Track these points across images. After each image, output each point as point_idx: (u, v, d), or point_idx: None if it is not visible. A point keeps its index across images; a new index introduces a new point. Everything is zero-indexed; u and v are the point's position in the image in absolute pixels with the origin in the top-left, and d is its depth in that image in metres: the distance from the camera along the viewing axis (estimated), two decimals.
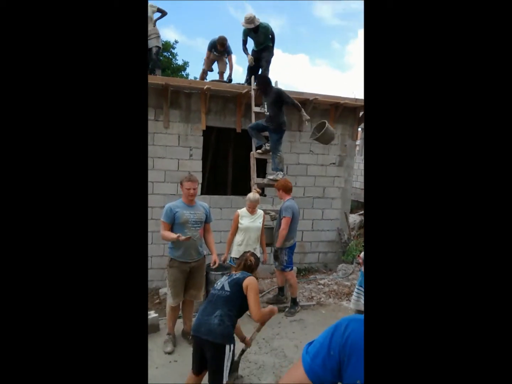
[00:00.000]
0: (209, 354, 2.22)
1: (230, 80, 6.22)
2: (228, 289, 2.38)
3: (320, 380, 0.84)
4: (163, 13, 5.76)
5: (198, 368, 2.34)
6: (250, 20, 5.27)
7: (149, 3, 5.72)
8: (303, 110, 4.72)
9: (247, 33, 5.55)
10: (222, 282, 2.48)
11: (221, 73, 6.40)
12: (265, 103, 4.78)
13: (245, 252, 2.86)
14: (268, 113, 4.73)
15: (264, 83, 4.73)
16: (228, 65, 6.35)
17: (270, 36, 5.63)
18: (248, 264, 2.64)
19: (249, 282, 2.39)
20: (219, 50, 6.12)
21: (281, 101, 4.61)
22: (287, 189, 4.20)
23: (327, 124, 4.66)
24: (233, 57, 6.09)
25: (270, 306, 2.55)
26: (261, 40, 5.59)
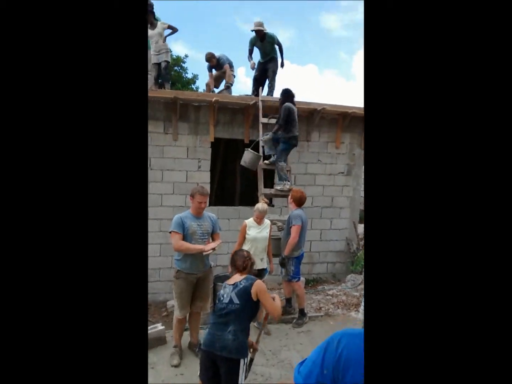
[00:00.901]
0: (224, 369, 2.19)
1: (227, 86, 6.31)
2: (238, 302, 2.28)
3: None
4: (174, 30, 5.91)
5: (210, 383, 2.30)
6: (259, 24, 5.52)
7: (161, 20, 5.88)
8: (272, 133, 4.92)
9: (253, 42, 5.71)
10: (228, 294, 2.34)
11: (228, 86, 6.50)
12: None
13: (239, 252, 2.65)
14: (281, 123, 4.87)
15: (285, 97, 4.87)
16: (233, 77, 6.47)
17: (277, 46, 5.73)
18: (251, 263, 2.57)
19: (258, 287, 2.32)
20: (213, 66, 6.29)
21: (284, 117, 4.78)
22: (299, 203, 4.17)
23: (246, 151, 4.97)
24: (242, 69, 6.28)
25: (275, 297, 2.45)
26: (268, 50, 5.70)
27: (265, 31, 5.56)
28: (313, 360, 0.85)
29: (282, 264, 4.16)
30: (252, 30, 5.59)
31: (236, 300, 2.28)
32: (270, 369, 3.33)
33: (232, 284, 2.39)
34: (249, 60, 5.90)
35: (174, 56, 15.54)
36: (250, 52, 5.85)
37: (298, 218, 4.05)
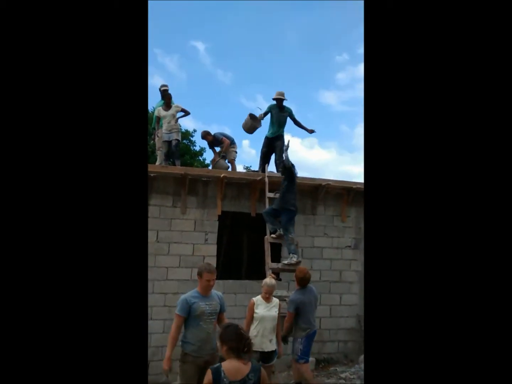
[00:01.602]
0: None
1: (223, 156, 6.56)
2: None
3: None
4: (186, 113, 6.34)
5: None
6: (281, 93, 5.89)
7: (175, 103, 6.32)
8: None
9: (272, 108, 5.95)
10: None
11: (231, 161, 6.71)
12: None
13: (232, 328, 2.22)
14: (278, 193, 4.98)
15: (290, 172, 4.99)
16: (235, 153, 6.72)
17: (293, 120, 6.01)
18: (252, 344, 2.22)
19: (264, 378, 2.14)
20: (212, 142, 6.61)
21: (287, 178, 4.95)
22: (301, 282, 4.11)
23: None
24: (246, 141, 6.61)
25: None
26: (282, 121, 5.94)
27: (285, 100, 5.92)
28: None
29: (284, 340, 4.04)
30: (274, 99, 5.90)
31: None
32: None
33: (239, 381, 2.06)
34: (259, 115, 6.10)
35: (183, 130, 16.42)
36: (265, 114, 6.04)
37: (292, 304, 4.01)
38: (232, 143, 6.63)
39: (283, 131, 6.05)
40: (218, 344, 2.19)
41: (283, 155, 4.99)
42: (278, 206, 4.93)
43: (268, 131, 6.09)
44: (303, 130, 6.15)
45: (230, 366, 2.08)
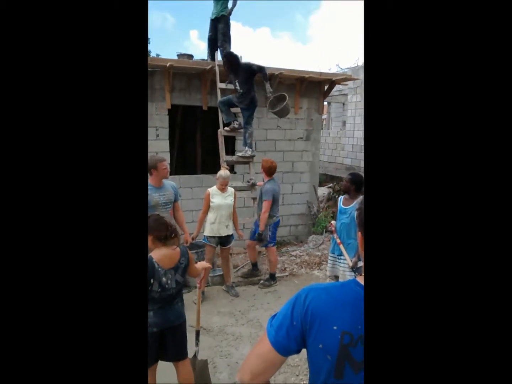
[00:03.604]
0: (176, 336, 2.21)
1: None
2: (182, 280, 2.20)
3: (285, 349, 0.90)
4: None
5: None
6: None
7: None
8: (269, 83, 4.70)
9: None
10: (171, 278, 2.11)
11: None
12: (236, 81, 4.64)
13: (154, 217, 2.14)
14: (240, 91, 4.62)
15: (231, 61, 4.55)
16: None
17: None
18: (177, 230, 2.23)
19: (191, 259, 2.26)
20: None
21: (252, 74, 4.55)
22: (269, 172, 4.24)
23: (287, 98, 4.71)
24: (194, 32, 5.86)
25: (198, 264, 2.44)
26: None
27: None
28: (283, 313, 0.92)
29: (260, 239, 4.25)
30: None
31: (181, 280, 2.18)
32: (240, 328, 3.48)
33: (173, 268, 2.12)
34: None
35: None
36: None
37: (269, 192, 4.14)
38: None
39: (225, 9, 5.39)
40: None
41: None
42: (244, 104, 4.68)
43: (211, 14, 5.47)
44: (255, 19, 5.74)
45: (161, 255, 2.08)
